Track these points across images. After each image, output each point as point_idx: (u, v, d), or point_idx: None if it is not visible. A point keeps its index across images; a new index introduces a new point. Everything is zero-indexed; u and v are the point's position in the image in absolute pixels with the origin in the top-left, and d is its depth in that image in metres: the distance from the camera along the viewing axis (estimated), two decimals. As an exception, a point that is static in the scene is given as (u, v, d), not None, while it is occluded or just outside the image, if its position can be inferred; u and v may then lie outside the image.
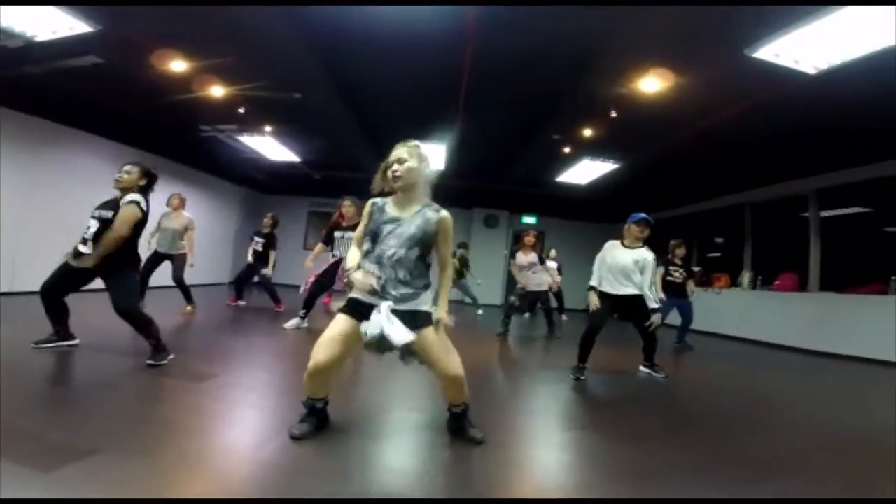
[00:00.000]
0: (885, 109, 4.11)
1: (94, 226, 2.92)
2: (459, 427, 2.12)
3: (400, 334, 1.80)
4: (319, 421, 2.03)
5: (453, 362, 1.96)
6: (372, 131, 6.85)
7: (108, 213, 2.92)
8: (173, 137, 7.32)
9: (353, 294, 1.96)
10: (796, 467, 2.04)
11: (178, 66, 4.49)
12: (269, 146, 7.38)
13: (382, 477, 1.76)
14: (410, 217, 1.97)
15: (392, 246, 1.92)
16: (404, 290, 1.91)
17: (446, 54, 4.32)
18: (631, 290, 3.59)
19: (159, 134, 7.08)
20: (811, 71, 3.51)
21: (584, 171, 7.00)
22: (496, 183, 9.08)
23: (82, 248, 2.89)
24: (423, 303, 1.95)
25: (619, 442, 2.25)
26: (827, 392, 4.00)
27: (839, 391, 4.06)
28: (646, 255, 3.64)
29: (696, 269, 7.53)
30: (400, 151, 2.01)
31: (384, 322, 1.81)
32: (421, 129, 6.36)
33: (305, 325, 4.88)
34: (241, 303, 6.52)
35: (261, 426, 2.17)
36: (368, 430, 2.18)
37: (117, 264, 2.89)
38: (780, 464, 2.06)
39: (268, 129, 6.49)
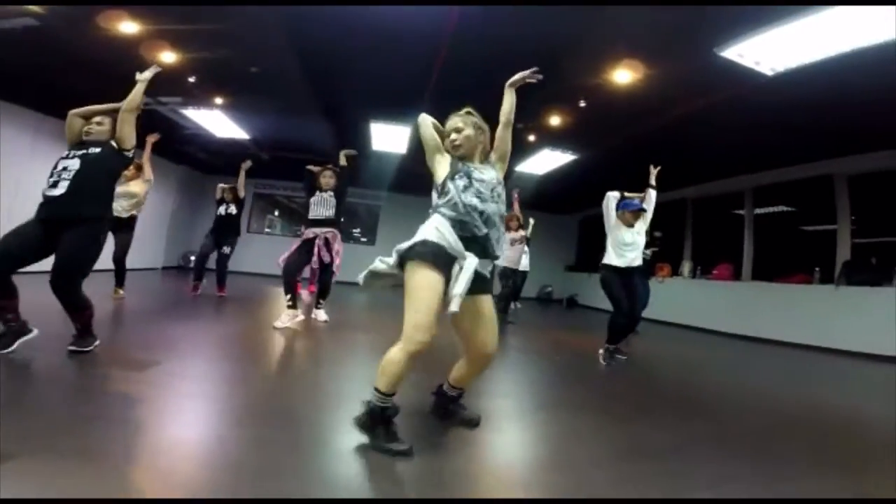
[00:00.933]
0: (819, 114, 4.56)
1: (73, 165, 2.44)
2: (455, 409, 2.03)
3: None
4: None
5: (496, 338, 1.88)
6: (333, 113, 6.57)
7: (94, 150, 2.51)
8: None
9: (439, 241, 1.75)
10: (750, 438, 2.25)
11: (126, 27, 4.03)
12: (216, 122, 6.86)
13: (372, 474, 1.52)
14: None
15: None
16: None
17: (422, 41, 4.23)
18: None
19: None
20: (769, 73, 3.78)
21: (543, 162, 7.14)
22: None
23: (53, 191, 2.37)
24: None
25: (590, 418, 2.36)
26: (762, 374, 4.41)
27: (774, 373, 4.48)
28: None
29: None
30: (455, 121, 1.98)
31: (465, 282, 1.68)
32: (386, 112, 6.23)
33: (301, 316, 4.20)
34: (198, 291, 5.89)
35: (218, 420, 1.94)
36: (335, 418, 2.00)
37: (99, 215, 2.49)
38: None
39: (218, 101, 6.00)
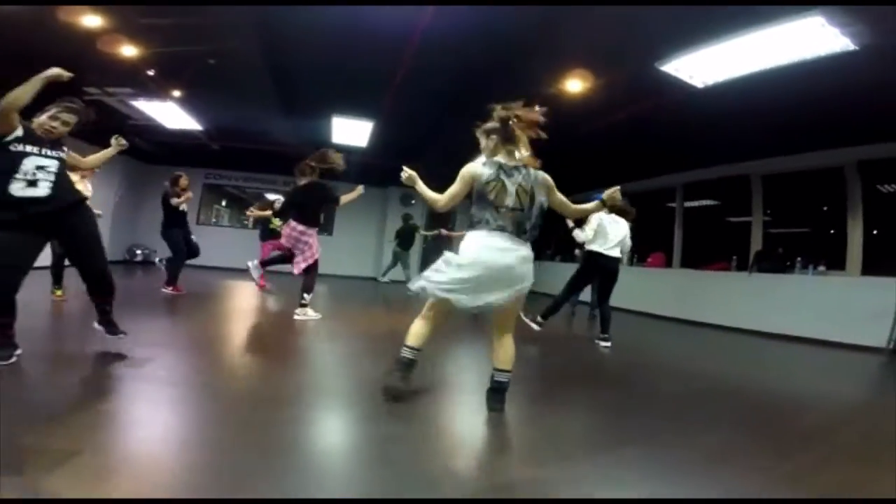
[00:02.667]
0: (740, 121, 5.26)
1: (52, 166, 2.39)
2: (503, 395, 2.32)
3: None
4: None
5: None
6: (293, 105, 6.58)
7: (62, 151, 2.51)
8: (43, 100, 6.23)
9: None
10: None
11: (89, 21, 3.93)
12: (168, 113, 6.67)
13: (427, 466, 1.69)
14: None
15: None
16: None
17: (390, 39, 4.41)
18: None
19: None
20: (700, 85, 4.35)
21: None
22: (411, 162, 9.25)
23: (35, 192, 2.31)
24: None
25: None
26: (687, 351, 5.10)
27: (695, 350, 5.18)
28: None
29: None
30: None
31: None
32: (346, 106, 6.34)
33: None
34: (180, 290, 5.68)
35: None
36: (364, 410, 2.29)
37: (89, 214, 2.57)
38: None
39: (176, 94, 5.86)
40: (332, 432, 2.09)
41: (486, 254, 2.23)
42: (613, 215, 4.68)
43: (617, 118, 5.60)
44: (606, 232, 4.55)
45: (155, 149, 8.57)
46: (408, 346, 2.36)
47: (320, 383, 2.82)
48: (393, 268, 9.31)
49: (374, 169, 9.02)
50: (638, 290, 7.57)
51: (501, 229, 2.24)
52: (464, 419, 2.38)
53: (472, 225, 2.33)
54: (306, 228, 4.59)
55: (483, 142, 2.49)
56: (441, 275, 2.29)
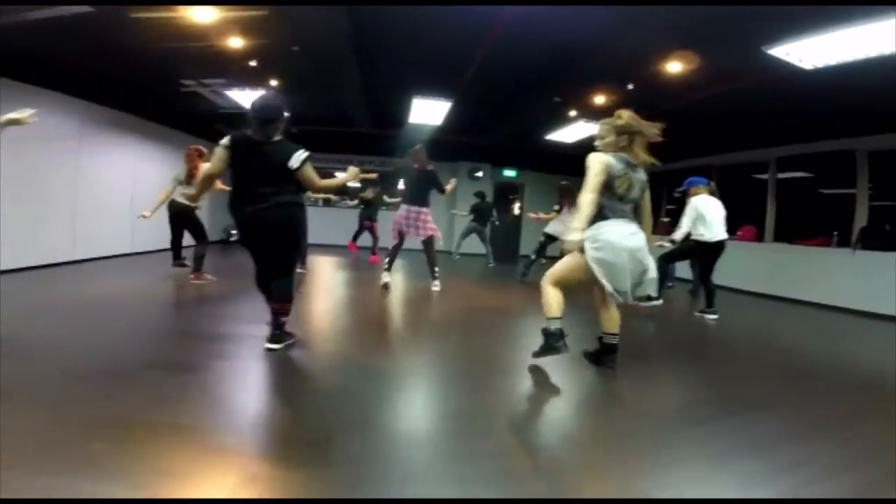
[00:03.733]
0: (848, 101, 4.91)
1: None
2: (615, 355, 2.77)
3: None
4: None
5: None
6: (371, 87, 6.71)
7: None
8: (145, 93, 6.73)
9: None
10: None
11: (200, 14, 4.13)
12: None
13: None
14: None
15: None
16: None
17: (473, 22, 4.37)
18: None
19: (130, 90, 6.48)
20: (809, 67, 4.07)
21: (576, 131, 7.37)
22: (481, 138, 9.27)
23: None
24: None
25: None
26: (789, 327, 4.97)
27: (792, 329, 5.03)
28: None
29: (665, 219, 8.46)
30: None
31: None
32: (426, 88, 6.39)
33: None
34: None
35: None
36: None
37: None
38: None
39: (270, 82, 6.14)
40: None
41: (623, 240, 2.53)
42: (704, 196, 4.64)
43: (711, 93, 5.30)
44: (705, 216, 4.50)
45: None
46: (553, 318, 2.64)
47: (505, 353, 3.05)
48: (462, 241, 9.40)
49: (444, 144, 9.10)
50: (726, 263, 7.31)
51: (625, 217, 2.61)
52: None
53: (603, 214, 2.57)
54: (420, 209, 5.25)
55: (610, 137, 2.68)
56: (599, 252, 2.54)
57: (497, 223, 9.05)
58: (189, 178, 4.93)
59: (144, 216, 4.89)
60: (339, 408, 2.11)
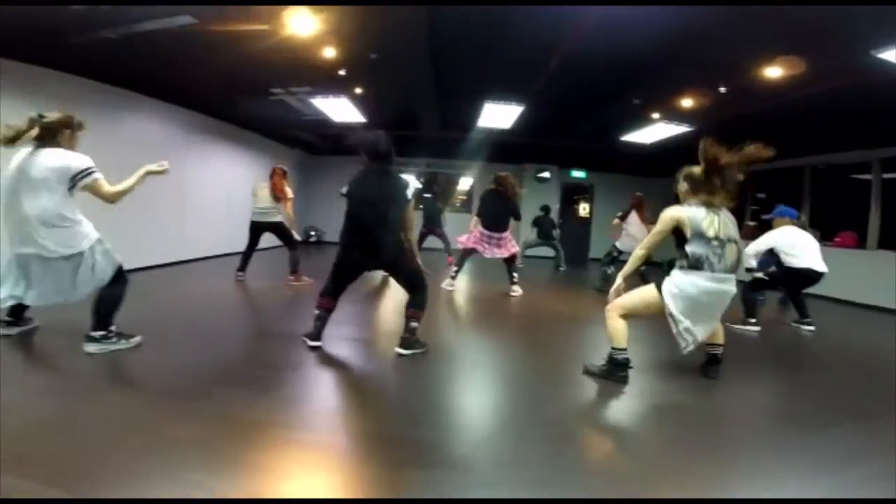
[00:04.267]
0: None
1: None
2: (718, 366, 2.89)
3: None
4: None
5: None
6: (444, 92, 6.87)
7: None
8: (238, 101, 7.30)
9: None
10: None
11: (303, 25, 4.34)
12: (336, 107, 7.37)
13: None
14: None
15: None
16: None
17: (553, 28, 4.35)
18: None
19: (225, 99, 7.05)
20: None
21: (655, 132, 7.13)
22: (549, 139, 9.17)
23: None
24: None
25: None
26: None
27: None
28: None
29: (752, 223, 7.98)
30: None
31: None
32: (499, 93, 6.46)
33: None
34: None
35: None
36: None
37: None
38: None
39: (358, 91, 6.47)
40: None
41: (704, 296, 2.57)
42: (791, 228, 4.52)
43: (808, 93, 4.92)
44: (795, 245, 4.42)
45: (317, 140, 9.58)
46: (618, 349, 2.69)
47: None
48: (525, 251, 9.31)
49: (511, 146, 9.11)
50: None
51: (721, 264, 2.56)
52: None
53: (691, 264, 2.57)
54: (501, 234, 5.50)
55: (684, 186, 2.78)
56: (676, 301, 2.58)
57: (558, 232, 8.88)
58: (274, 197, 5.44)
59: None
60: (433, 413, 2.28)
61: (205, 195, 7.08)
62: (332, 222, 9.96)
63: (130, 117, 5.68)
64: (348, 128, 8.33)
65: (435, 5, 4.21)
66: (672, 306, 2.55)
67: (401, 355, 2.96)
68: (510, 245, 5.60)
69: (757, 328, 4.40)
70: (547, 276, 8.03)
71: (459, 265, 5.74)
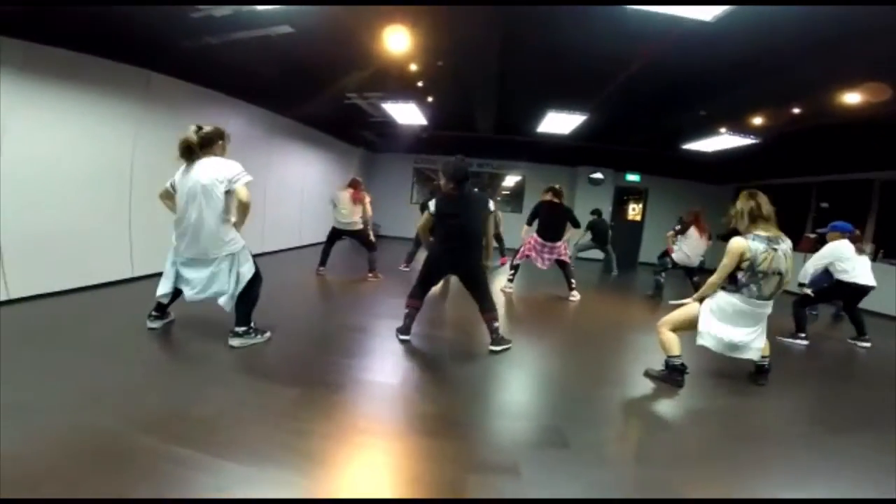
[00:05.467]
0: None
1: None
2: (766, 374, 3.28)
3: None
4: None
5: None
6: (508, 99, 7.09)
7: None
8: (314, 104, 7.78)
9: None
10: None
11: (397, 40, 4.64)
12: (403, 111, 7.74)
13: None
14: None
15: None
16: None
17: (625, 45, 4.50)
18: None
19: (303, 101, 7.52)
20: None
21: (717, 142, 7.15)
22: (607, 144, 9.27)
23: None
24: None
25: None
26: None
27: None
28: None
29: (811, 235, 7.88)
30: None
31: None
32: (562, 102, 6.65)
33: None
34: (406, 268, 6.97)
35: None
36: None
37: None
38: None
39: (430, 99, 6.82)
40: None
41: (739, 314, 2.96)
42: (845, 242, 4.59)
43: (885, 110, 4.91)
44: (846, 258, 4.54)
45: (378, 140, 10.03)
46: (673, 356, 3.08)
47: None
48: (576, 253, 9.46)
49: (566, 149, 9.26)
50: (885, 288, 6.72)
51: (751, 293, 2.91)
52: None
53: (735, 288, 2.92)
54: (555, 243, 5.79)
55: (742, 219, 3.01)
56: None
57: (611, 235, 8.94)
58: (352, 204, 5.91)
59: None
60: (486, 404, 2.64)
61: (282, 191, 7.64)
62: (389, 217, 10.49)
63: (220, 118, 6.12)
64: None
65: (509, 11, 4.36)
66: (703, 320, 3.00)
67: (493, 352, 3.44)
68: (563, 251, 5.89)
69: (805, 342, 4.56)
70: (597, 280, 8.22)
71: (515, 269, 6.06)
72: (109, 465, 1.74)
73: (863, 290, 4.58)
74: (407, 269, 6.91)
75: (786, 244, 2.91)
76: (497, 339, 3.48)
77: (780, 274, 2.87)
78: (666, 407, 2.87)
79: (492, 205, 3.50)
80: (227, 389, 2.50)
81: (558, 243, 5.84)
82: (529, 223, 6.01)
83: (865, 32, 3.42)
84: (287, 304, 4.29)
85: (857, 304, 4.74)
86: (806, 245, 7.86)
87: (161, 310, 3.34)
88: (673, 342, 3.10)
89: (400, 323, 3.62)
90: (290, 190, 7.92)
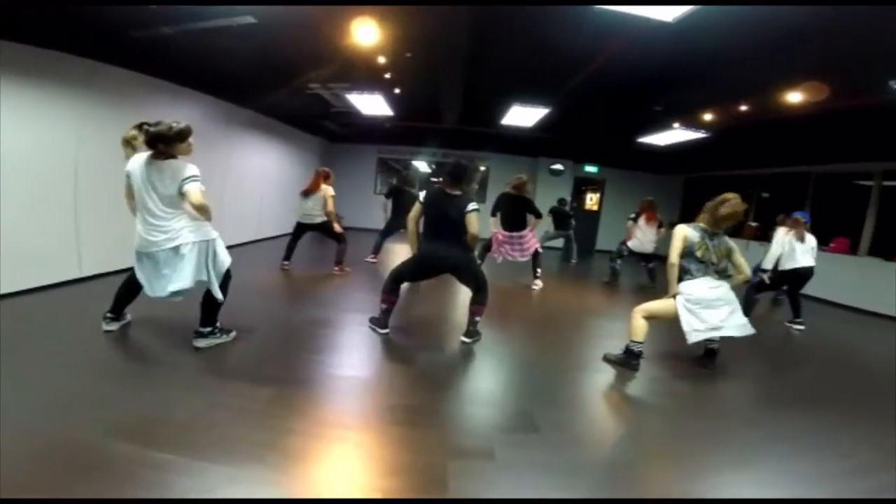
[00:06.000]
0: None
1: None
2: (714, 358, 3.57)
3: None
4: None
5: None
6: (473, 92, 7.16)
7: None
8: (274, 94, 7.55)
9: None
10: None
11: (366, 33, 4.60)
12: (367, 102, 7.65)
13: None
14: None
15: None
16: None
17: (590, 40, 4.63)
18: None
19: (263, 91, 7.30)
20: None
21: (670, 136, 7.50)
22: (566, 135, 9.51)
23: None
24: None
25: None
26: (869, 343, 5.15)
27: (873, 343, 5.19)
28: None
29: (753, 223, 8.46)
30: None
31: None
32: (528, 96, 6.78)
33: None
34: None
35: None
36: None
37: None
38: None
39: (388, 87, 6.75)
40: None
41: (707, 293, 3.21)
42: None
43: (824, 109, 5.31)
44: (795, 248, 4.93)
45: (340, 130, 9.86)
46: (639, 342, 3.26)
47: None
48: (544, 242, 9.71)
49: (527, 140, 9.45)
50: (818, 274, 7.31)
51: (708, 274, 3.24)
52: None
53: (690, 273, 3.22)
54: (520, 232, 5.92)
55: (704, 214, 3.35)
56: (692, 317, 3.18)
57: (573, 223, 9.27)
58: (306, 192, 5.82)
59: None
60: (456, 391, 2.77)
61: (241, 184, 7.41)
62: (353, 208, 10.37)
63: (176, 109, 5.84)
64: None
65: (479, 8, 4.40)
66: (684, 321, 3.19)
67: (464, 343, 3.54)
68: (531, 242, 6.06)
69: (802, 327, 5.06)
70: (557, 268, 8.51)
71: (481, 259, 6.18)
72: (87, 473, 1.72)
73: (807, 273, 5.00)
74: (375, 261, 6.92)
75: (719, 240, 3.26)
76: (472, 331, 3.57)
77: (713, 263, 3.22)
78: (624, 389, 3.09)
79: (472, 205, 3.47)
80: (198, 392, 2.47)
81: (523, 232, 5.99)
82: (493, 214, 6.14)
83: (804, 34, 3.69)
84: (251, 301, 4.22)
85: (801, 287, 5.15)
86: (748, 233, 8.46)
87: (116, 311, 3.21)
88: (641, 329, 3.27)
89: (371, 314, 3.71)
90: (247, 182, 7.69)
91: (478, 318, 3.59)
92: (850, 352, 4.76)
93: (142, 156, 2.83)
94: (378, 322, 3.61)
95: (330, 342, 3.51)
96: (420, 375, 3.00)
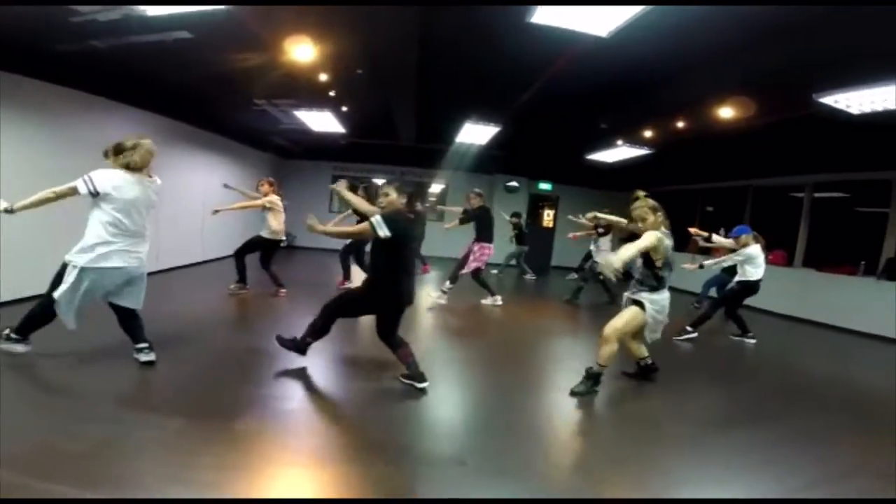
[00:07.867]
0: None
1: None
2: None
3: None
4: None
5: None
6: (426, 109, 7.20)
7: None
8: (218, 110, 7.33)
9: None
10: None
11: (301, 52, 4.56)
12: (317, 118, 7.52)
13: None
14: None
15: None
16: None
17: (537, 59, 4.71)
18: None
19: (206, 107, 7.06)
20: (855, 112, 4.38)
21: (616, 154, 7.75)
22: (520, 152, 9.70)
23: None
24: None
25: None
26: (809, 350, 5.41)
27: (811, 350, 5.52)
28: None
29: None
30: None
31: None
32: (479, 114, 6.84)
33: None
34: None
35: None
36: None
37: None
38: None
39: (334, 104, 6.67)
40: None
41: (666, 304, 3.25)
42: (756, 246, 5.14)
43: (756, 123, 5.61)
44: (756, 261, 5.08)
45: (292, 146, 9.66)
46: (604, 367, 3.14)
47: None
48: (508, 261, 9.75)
49: (483, 157, 9.55)
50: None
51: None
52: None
53: (661, 283, 3.14)
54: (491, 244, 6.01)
55: (650, 217, 3.18)
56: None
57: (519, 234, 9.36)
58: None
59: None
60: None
61: (181, 204, 7.06)
62: (305, 226, 10.00)
63: (108, 125, 5.48)
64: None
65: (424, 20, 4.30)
66: (651, 326, 3.19)
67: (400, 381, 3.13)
68: (479, 255, 6.06)
69: (695, 334, 5.12)
70: (515, 284, 8.55)
71: (454, 280, 5.99)
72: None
73: (758, 286, 5.16)
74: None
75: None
76: (417, 372, 3.05)
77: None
78: (584, 412, 3.02)
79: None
80: (103, 422, 2.23)
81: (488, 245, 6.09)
82: (480, 236, 6.13)
83: (732, 50, 3.86)
84: (188, 326, 3.95)
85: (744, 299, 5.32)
86: (693, 247, 8.76)
87: (22, 332, 2.90)
88: (612, 355, 3.11)
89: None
90: (190, 202, 7.33)
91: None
92: (779, 357, 4.98)
93: (128, 175, 2.97)
94: (296, 347, 3.19)
95: (261, 370, 3.24)
96: (353, 405, 2.86)
